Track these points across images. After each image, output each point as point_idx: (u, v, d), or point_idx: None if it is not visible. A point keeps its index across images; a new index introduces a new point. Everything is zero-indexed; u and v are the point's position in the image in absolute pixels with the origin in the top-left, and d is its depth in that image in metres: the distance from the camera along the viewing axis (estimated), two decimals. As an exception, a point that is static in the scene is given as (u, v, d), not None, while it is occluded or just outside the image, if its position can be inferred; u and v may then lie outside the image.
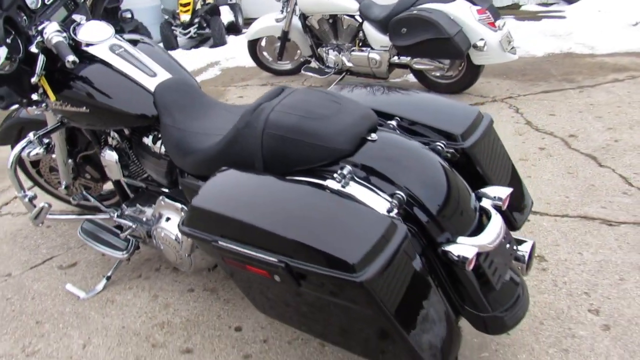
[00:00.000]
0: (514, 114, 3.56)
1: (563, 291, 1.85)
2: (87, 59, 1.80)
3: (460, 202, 1.35)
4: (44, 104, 1.92)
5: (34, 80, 1.71)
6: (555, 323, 1.72)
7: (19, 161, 2.47)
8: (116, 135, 1.96)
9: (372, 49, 4.18)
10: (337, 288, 1.14)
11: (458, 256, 1.24)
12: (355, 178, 1.33)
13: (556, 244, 2.11)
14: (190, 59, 6.28)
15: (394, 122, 1.54)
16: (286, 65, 5.14)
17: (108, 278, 2.12)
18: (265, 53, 5.16)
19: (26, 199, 2.03)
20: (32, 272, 2.28)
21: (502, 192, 1.42)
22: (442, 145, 1.47)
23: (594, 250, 2.05)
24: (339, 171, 1.32)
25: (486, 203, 1.40)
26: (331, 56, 4.43)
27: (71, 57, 1.62)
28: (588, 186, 2.52)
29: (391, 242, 1.15)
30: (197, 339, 1.80)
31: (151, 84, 1.79)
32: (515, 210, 1.59)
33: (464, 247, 1.25)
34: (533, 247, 1.55)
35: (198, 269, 1.83)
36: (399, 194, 1.29)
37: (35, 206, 2.03)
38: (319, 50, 4.57)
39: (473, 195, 1.42)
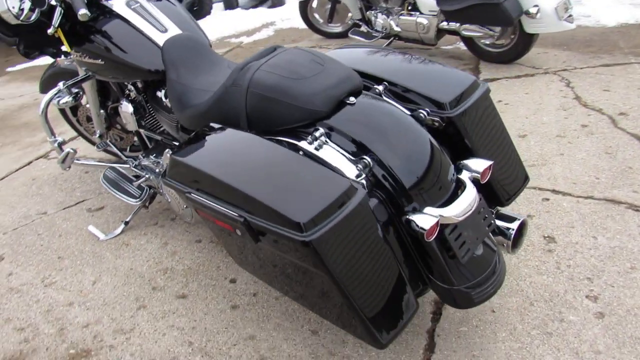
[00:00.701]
0: (563, 87, 3.34)
1: (564, 274, 1.77)
2: (104, 12, 1.88)
3: (434, 172, 1.31)
4: (71, 56, 2.04)
5: (50, 31, 1.82)
6: (547, 305, 1.65)
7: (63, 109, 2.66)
8: (132, 88, 2.06)
9: (420, 13, 4.03)
10: (288, 246, 1.16)
11: (418, 226, 1.23)
12: (328, 141, 1.33)
13: (571, 225, 2.01)
14: (247, 18, 6.34)
15: (380, 87, 1.50)
16: (336, 28, 5.07)
17: (126, 223, 2.27)
18: (316, 15, 5.11)
19: (55, 144, 2.19)
20: (64, 212, 2.48)
21: (481, 164, 1.36)
22: (425, 113, 1.43)
23: (611, 235, 1.93)
24: (312, 133, 1.33)
25: (464, 175, 1.36)
26: (379, 20, 4.31)
27: (83, 10, 1.71)
28: (624, 168, 2.34)
29: (346, 205, 1.15)
30: (194, 286, 1.90)
31: (161, 39, 1.85)
32: (505, 186, 1.52)
33: (425, 217, 1.23)
34: (523, 225, 1.50)
35: (199, 220, 1.91)
36: (365, 159, 1.28)
37: (62, 151, 2.19)
38: (367, 13, 4.46)
39: (452, 166, 1.38)
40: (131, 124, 2.10)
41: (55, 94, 2.16)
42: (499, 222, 1.51)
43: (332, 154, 1.31)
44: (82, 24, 1.88)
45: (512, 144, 1.57)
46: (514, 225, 1.48)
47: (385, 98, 1.48)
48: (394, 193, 1.28)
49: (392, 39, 4.38)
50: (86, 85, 2.27)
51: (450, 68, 1.56)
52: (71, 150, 2.19)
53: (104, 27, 1.86)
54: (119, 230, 2.25)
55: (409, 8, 4.15)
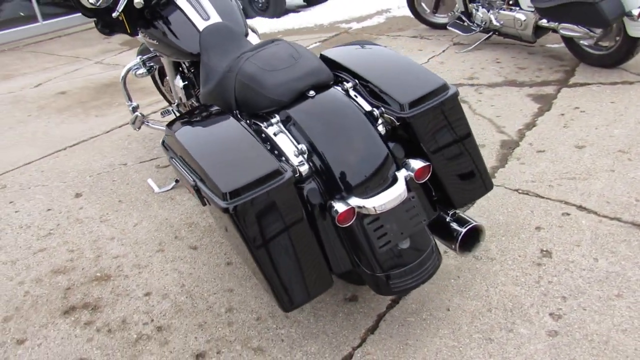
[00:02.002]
0: (658, 99, 3.01)
1: (540, 289, 1.73)
2: (160, -1, 2.22)
3: (369, 166, 1.41)
4: (139, 35, 2.44)
5: (114, 15, 2.21)
6: (504, 314, 1.65)
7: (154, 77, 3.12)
8: (185, 65, 2.39)
9: (520, 8, 3.85)
10: (217, 212, 1.37)
11: (333, 211, 1.35)
12: (282, 127, 1.50)
13: (577, 244, 1.91)
14: (365, 4, 6.48)
15: (349, 84, 1.61)
16: (442, 18, 4.99)
17: (177, 181, 2.65)
18: (423, 4, 5.09)
19: (130, 107, 2.64)
20: (139, 165, 2.95)
21: (418, 165, 1.42)
22: (379, 112, 1.51)
23: (615, 260, 1.81)
24: (270, 119, 1.51)
25: (401, 173, 1.43)
26: (479, 13, 4.20)
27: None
28: (675, 194, 2.12)
29: (269, 183, 1.32)
30: (206, 241, 2.20)
31: (202, 26, 2.14)
32: (460, 191, 1.55)
33: (342, 205, 1.35)
34: (474, 230, 1.53)
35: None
36: (302, 147, 1.42)
37: (134, 113, 2.63)
38: (470, 5, 4.35)
39: (394, 164, 1.45)
40: (182, 97, 2.45)
41: (134, 66, 2.60)
42: (453, 224, 1.56)
43: (283, 139, 1.48)
44: (142, 9, 2.24)
45: (477, 151, 1.58)
46: (463, 229, 1.51)
47: (352, 93, 1.59)
48: (327, 181, 1.41)
49: (491, 34, 4.24)
50: (163, 60, 2.67)
51: (424, 70, 1.61)
52: (139, 115, 2.61)
53: (159, 11, 2.20)
54: (169, 187, 2.64)
55: (510, 2, 3.97)
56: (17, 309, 1.93)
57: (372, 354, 1.56)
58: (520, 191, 2.29)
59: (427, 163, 1.43)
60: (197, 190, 1.43)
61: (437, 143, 1.51)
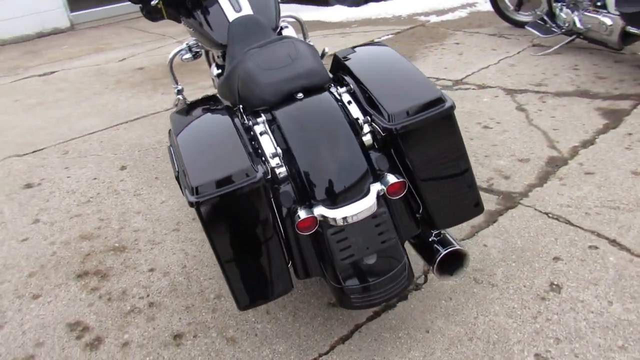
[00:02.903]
0: None
1: (534, 326, 1.59)
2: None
3: (341, 176, 1.37)
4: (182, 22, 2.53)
5: (153, 3, 2.31)
6: (485, 346, 1.54)
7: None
8: (219, 53, 2.45)
9: (607, 11, 3.50)
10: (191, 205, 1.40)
11: (295, 217, 1.33)
12: (266, 127, 1.50)
13: (595, 282, 1.74)
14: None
15: (343, 88, 1.56)
16: (525, 16, 4.67)
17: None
18: (507, 0, 4.78)
19: (175, 90, 2.76)
20: (184, 145, 3.09)
21: (392, 180, 1.36)
22: (364, 120, 1.45)
23: (633, 307, 1.62)
24: (257, 118, 1.52)
25: (375, 186, 1.37)
26: (563, 14, 3.88)
27: None
28: None
29: (237, 182, 1.33)
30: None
31: (233, 17, 2.17)
32: (445, 211, 1.46)
33: (304, 212, 1.33)
34: (457, 254, 1.45)
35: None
36: (278, 149, 1.41)
37: (177, 96, 2.75)
38: (554, 5, 4.03)
39: (371, 176, 1.39)
40: (215, 84, 2.52)
41: (180, 50, 2.71)
42: (436, 245, 1.48)
43: (265, 139, 1.48)
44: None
45: (469, 172, 1.47)
46: (442, 251, 1.44)
47: (347, 98, 1.54)
48: (299, 187, 1.40)
49: (573, 37, 3.89)
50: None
51: (424, 80, 1.50)
52: (181, 98, 2.73)
53: (196, 1, 2.27)
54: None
55: (598, 4, 3.62)
56: (42, 266, 2.13)
57: (336, 364, 1.54)
58: (550, 215, 2.11)
59: (401, 180, 1.36)
60: (178, 181, 1.48)
61: (423, 159, 1.42)
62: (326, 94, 1.54)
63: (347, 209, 1.33)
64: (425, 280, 1.82)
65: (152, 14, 2.39)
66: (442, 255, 1.44)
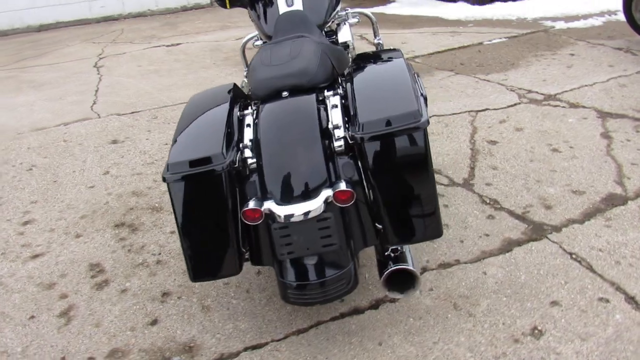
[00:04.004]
0: None
1: (491, 366, 1.51)
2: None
3: (295, 176, 1.41)
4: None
5: None
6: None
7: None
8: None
9: None
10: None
11: (244, 205, 1.41)
12: (252, 119, 1.59)
13: (585, 337, 1.56)
14: (591, 2, 5.61)
15: (330, 92, 1.58)
16: (663, 32, 4.10)
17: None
18: (643, 11, 4.23)
19: (244, 72, 2.96)
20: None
21: (339, 187, 1.36)
22: (333, 127, 1.46)
23: (613, 374, 1.45)
24: (246, 109, 1.62)
25: (325, 192, 1.39)
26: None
27: None
28: None
29: (203, 166, 1.44)
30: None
31: (283, 10, 2.28)
32: (400, 228, 1.42)
33: (253, 203, 1.40)
34: (406, 273, 1.43)
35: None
36: (247, 142, 1.49)
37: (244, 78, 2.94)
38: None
39: (327, 181, 1.41)
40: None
41: (253, 37, 2.89)
42: (392, 260, 1.47)
43: (248, 131, 1.57)
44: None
45: (431, 193, 1.40)
46: (391, 267, 1.43)
47: (332, 102, 1.56)
48: (260, 179, 1.47)
49: None
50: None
51: (407, 93, 1.45)
52: (246, 80, 2.91)
53: (255, -9, 2.41)
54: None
55: None
56: (93, 212, 2.48)
57: (280, 352, 1.61)
58: (574, 256, 1.92)
59: (348, 189, 1.36)
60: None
61: (384, 172, 1.40)
62: (310, 96, 1.57)
63: (292, 207, 1.38)
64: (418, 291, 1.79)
65: (220, 1, 2.58)
66: (389, 271, 1.42)
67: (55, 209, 2.53)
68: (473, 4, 6.08)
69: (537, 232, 2.07)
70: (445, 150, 2.80)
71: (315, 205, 1.37)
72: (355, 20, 2.83)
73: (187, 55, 5.11)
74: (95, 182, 2.75)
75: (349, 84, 1.62)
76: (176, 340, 1.69)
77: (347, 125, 1.48)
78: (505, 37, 4.89)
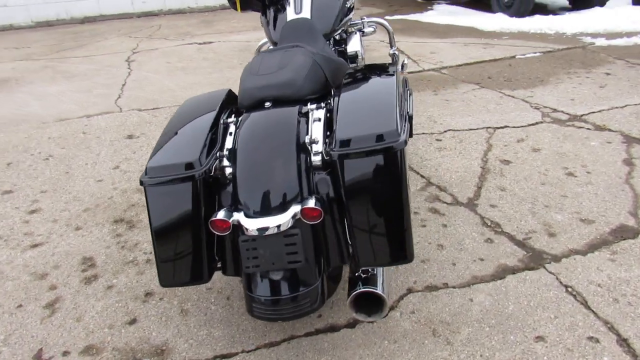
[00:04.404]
0: None
1: (460, 400, 1.44)
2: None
3: (266, 190, 1.38)
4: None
5: None
6: (392, 401, 1.45)
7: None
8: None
9: None
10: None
11: (214, 215, 1.40)
12: (234, 128, 1.58)
13: (565, 379, 1.49)
14: (635, 19, 5.37)
15: (313, 106, 1.54)
16: None
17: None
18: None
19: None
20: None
21: (307, 204, 1.33)
22: (310, 142, 1.43)
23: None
24: (232, 117, 1.61)
25: (294, 207, 1.36)
26: None
27: None
28: None
29: (177, 173, 1.43)
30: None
31: (291, 17, 2.26)
32: (368, 250, 1.38)
33: (221, 214, 1.38)
34: (371, 295, 1.40)
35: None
36: (224, 151, 1.48)
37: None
38: None
39: (299, 196, 1.39)
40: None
41: (267, 41, 2.88)
42: (361, 281, 1.44)
43: (229, 140, 1.56)
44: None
45: (403, 216, 1.34)
46: (358, 289, 1.39)
47: (316, 116, 1.53)
48: (232, 189, 1.46)
49: None
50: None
51: (389, 112, 1.41)
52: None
53: (268, -1, 2.40)
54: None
55: None
56: (97, 205, 2.53)
57: (248, 365, 1.59)
58: (569, 290, 1.82)
59: (316, 207, 1.33)
60: None
61: (355, 191, 1.36)
62: (291, 108, 1.55)
63: (260, 221, 1.35)
64: (385, 316, 1.74)
65: (234, 3, 2.59)
66: (355, 292, 1.39)
67: (62, 200, 2.60)
68: (512, 15, 5.91)
69: (535, 260, 1.98)
70: (455, 167, 2.72)
71: (281, 220, 1.34)
72: (371, 29, 2.79)
73: (216, 54, 5.17)
74: (104, 176, 2.81)
75: (336, 98, 1.59)
76: (150, 342, 1.70)
77: (326, 141, 1.45)
78: (539, 52, 4.73)
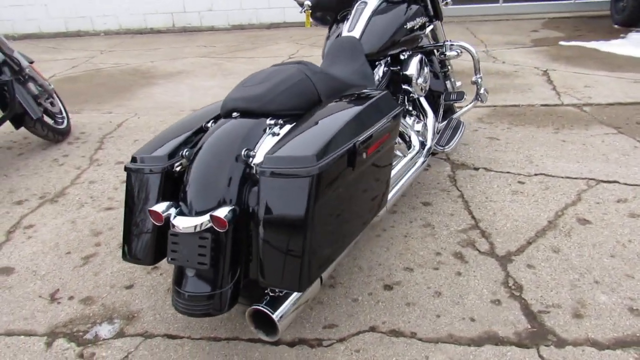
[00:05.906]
0: None
1: None
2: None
3: (197, 193, 1.48)
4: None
5: (299, 11, 2.58)
6: None
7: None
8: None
9: None
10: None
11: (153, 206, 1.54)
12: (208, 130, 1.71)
13: None
14: None
15: (273, 121, 1.58)
16: None
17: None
18: None
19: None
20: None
21: (218, 213, 1.39)
22: (245, 156, 1.48)
23: None
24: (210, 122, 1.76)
25: (215, 212, 1.43)
26: None
27: (306, 2, 2.40)
28: None
29: (147, 163, 1.64)
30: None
31: (343, 34, 2.30)
32: (268, 270, 1.38)
33: (160, 206, 1.52)
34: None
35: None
36: (185, 151, 1.62)
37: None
38: None
39: (219, 202, 1.45)
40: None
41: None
42: (266, 297, 1.46)
43: (204, 137, 1.69)
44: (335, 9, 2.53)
45: (303, 243, 1.30)
46: (254, 305, 1.42)
47: (275, 130, 1.57)
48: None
49: None
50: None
51: (326, 137, 1.39)
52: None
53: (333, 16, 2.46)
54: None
55: None
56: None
57: (181, 349, 1.71)
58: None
59: (222, 217, 1.38)
60: None
61: (266, 210, 1.38)
62: (250, 120, 1.61)
63: (182, 219, 1.47)
64: (276, 340, 1.66)
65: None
66: (250, 309, 1.41)
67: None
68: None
69: (534, 339, 1.69)
70: (517, 215, 2.42)
71: (195, 222, 1.43)
72: (454, 53, 2.67)
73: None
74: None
75: (303, 117, 1.62)
76: (129, 307, 1.93)
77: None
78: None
